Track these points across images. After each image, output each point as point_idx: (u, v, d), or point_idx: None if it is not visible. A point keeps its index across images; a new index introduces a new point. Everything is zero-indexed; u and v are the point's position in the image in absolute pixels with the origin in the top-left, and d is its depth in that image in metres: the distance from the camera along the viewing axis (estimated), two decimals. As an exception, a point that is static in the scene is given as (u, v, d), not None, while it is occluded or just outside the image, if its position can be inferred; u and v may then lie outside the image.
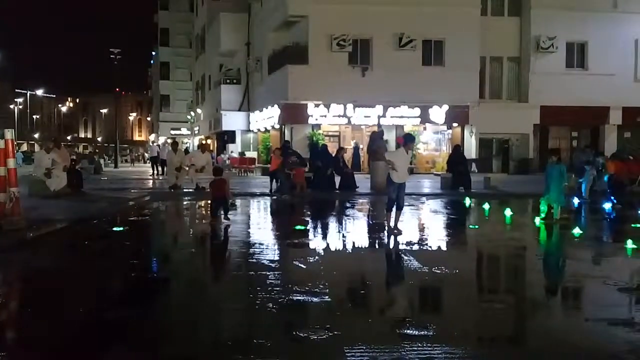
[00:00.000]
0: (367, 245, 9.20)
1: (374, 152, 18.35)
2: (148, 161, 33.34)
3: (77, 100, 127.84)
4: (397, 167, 9.43)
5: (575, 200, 14.84)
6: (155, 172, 27.68)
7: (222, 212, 10.79)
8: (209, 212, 11.56)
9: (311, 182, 17.68)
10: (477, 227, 11.47)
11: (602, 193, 15.88)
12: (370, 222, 11.98)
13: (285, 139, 24.92)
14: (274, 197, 16.57)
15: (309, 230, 10.70)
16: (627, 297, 5.90)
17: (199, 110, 48.89)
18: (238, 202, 14.91)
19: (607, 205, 13.61)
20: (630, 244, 8.29)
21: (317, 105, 26.43)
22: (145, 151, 35.46)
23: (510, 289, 6.77)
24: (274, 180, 17.39)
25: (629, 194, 16.30)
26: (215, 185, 10.99)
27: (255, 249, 8.39)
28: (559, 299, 6.18)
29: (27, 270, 7.14)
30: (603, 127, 29.30)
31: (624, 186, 15.92)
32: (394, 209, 9.59)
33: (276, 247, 9.06)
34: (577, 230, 9.75)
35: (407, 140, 9.83)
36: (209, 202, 11.72)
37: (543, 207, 11.28)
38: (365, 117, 26.91)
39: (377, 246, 9.14)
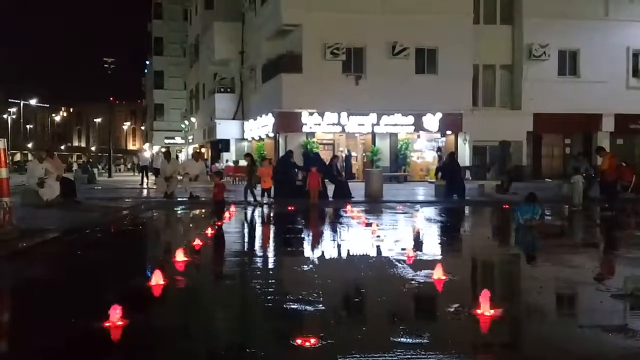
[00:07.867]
0: (361, 253, 9.17)
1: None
2: (138, 172, 32.98)
3: (71, 110, 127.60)
4: None
5: (567, 207, 14.88)
6: (146, 181, 27.51)
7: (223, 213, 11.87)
8: (210, 215, 12.10)
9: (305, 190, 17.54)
10: (470, 234, 11.47)
11: (595, 199, 15.93)
12: (365, 230, 11.95)
13: (288, 148, 24.59)
14: (259, 206, 16.31)
15: (303, 238, 10.69)
16: (620, 304, 5.91)
17: (193, 119, 48.88)
18: (232, 209, 14.85)
19: (600, 212, 13.66)
20: (624, 251, 8.31)
21: (311, 114, 26.47)
22: (139, 160, 35.22)
23: (504, 295, 6.76)
24: (266, 195, 17.07)
25: (621, 200, 16.35)
26: (218, 187, 11.93)
27: (249, 258, 8.37)
28: (554, 305, 6.18)
29: (19, 281, 7.09)
30: (596, 134, 29.46)
31: (617, 192, 15.96)
32: None
33: (270, 255, 9.05)
34: (570, 237, 9.80)
35: None
36: (210, 207, 12.30)
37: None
38: (359, 125, 27.01)
39: (370, 254, 9.12)
